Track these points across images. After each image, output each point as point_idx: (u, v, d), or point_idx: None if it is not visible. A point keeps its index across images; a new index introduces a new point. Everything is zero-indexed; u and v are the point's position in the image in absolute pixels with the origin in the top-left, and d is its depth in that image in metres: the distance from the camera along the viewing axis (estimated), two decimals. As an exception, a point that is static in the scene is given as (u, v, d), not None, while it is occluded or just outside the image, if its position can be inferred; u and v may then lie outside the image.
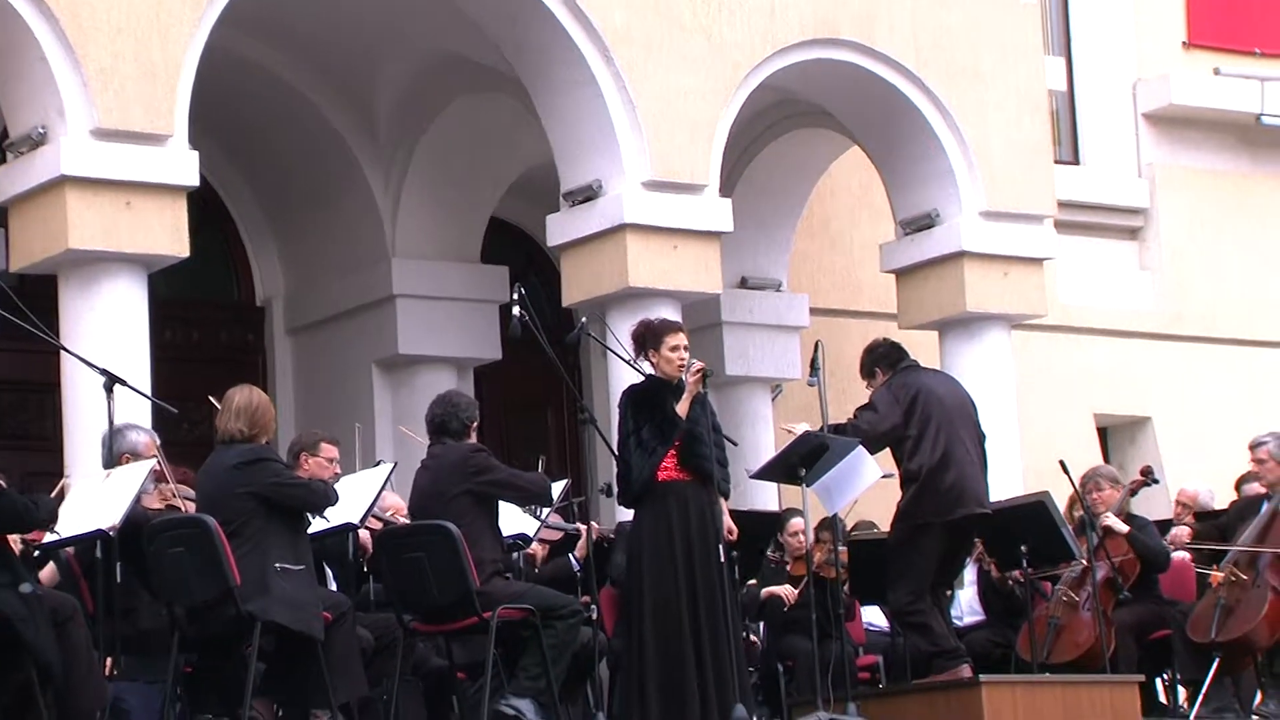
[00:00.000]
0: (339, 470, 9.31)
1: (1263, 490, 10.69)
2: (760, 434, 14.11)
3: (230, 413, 8.40)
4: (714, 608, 8.97)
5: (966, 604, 11.28)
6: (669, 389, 9.20)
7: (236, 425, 8.38)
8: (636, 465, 9.10)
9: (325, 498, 8.50)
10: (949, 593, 10.52)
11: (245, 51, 13.11)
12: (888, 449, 9.82)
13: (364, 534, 9.27)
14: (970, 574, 11.16)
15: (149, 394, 9.71)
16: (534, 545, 10.26)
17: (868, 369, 10.00)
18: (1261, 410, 15.52)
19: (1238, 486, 11.41)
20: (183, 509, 8.57)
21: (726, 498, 9.33)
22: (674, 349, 9.21)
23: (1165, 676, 11.11)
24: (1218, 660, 10.31)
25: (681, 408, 9.08)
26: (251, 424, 8.39)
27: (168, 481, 8.65)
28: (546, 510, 9.94)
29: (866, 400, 9.90)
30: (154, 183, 10.79)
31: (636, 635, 9.05)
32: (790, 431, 9.58)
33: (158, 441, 8.81)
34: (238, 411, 8.39)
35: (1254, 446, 10.68)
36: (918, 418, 9.66)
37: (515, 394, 14.58)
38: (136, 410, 9.43)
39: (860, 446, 9.40)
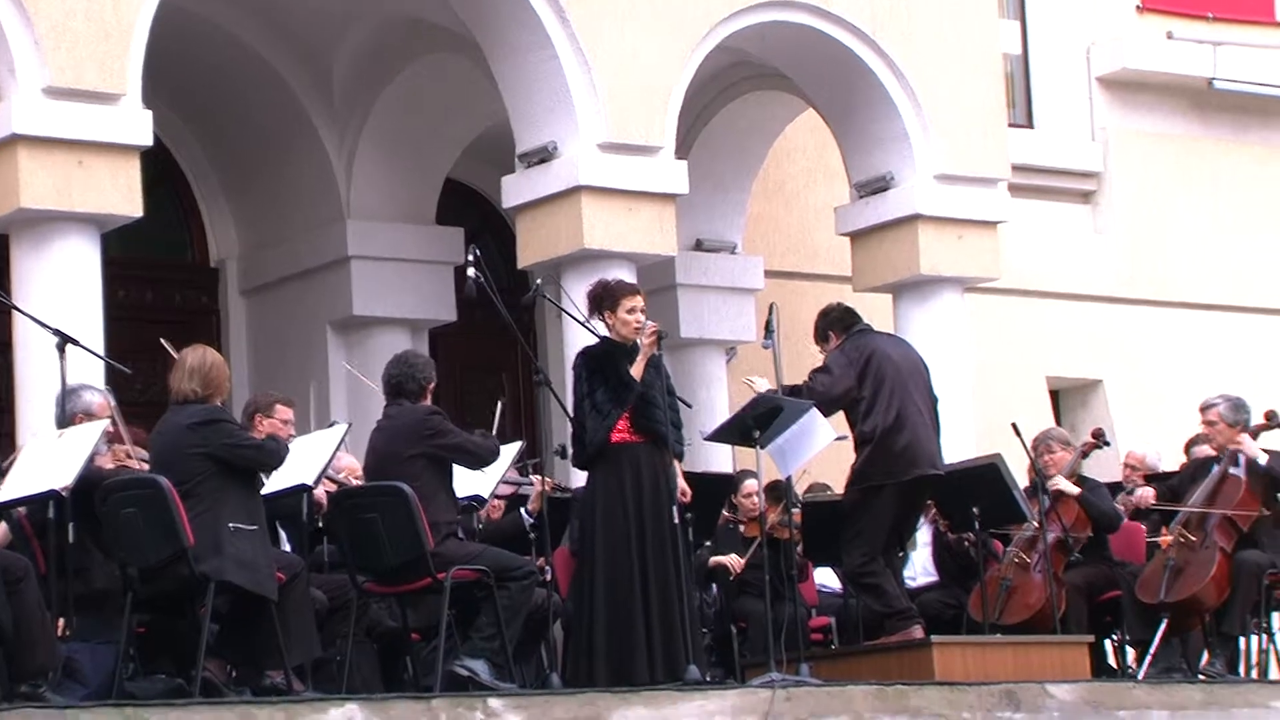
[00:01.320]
0: (294, 432, 9.31)
1: (1212, 452, 10.77)
2: (715, 396, 14.14)
3: (184, 373, 8.39)
4: (664, 569, 9.02)
5: (921, 565, 11.35)
6: (624, 351, 9.22)
7: (190, 385, 8.37)
8: (591, 428, 9.13)
9: (278, 456, 8.51)
10: (901, 554, 10.59)
11: (201, 10, 13.03)
12: (841, 412, 9.87)
13: (319, 492, 9.27)
14: (926, 535, 11.24)
15: (102, 354, 9.69)
16: (489, 505, 10.27)
17: (821, 333, 10.05)
18: (1212, 373, 15.63)
19: (1187, 449, 11.49)
20: (136, 469, 8.56)
21: (681, 460, 9.37)
22: (631, 311, 9.23)
23: (1115, 637, 11.20)
24: (1166, 621, 10.40)
25: (636, 370, 9.10)
26: (205, 384, 8.38)
27: (122, 441, 8.63)
28: (502, 472, 9.95)
29: (821, 363, 9.94)
30: (107, 142, 10.73)
31: (588, 595, 9.09)
32: (751, 385, 9.62)
33: (112, 401, 8.79)
34: (191, 371, 8.38)
35: (1204, 409, 10.74)
36: (871, 380, 9.72)
37: (470, 356, 14.58)
38: (90, 370, 9.40)
39: (814, 409, 9.45)
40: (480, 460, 9.18)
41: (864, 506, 9.77)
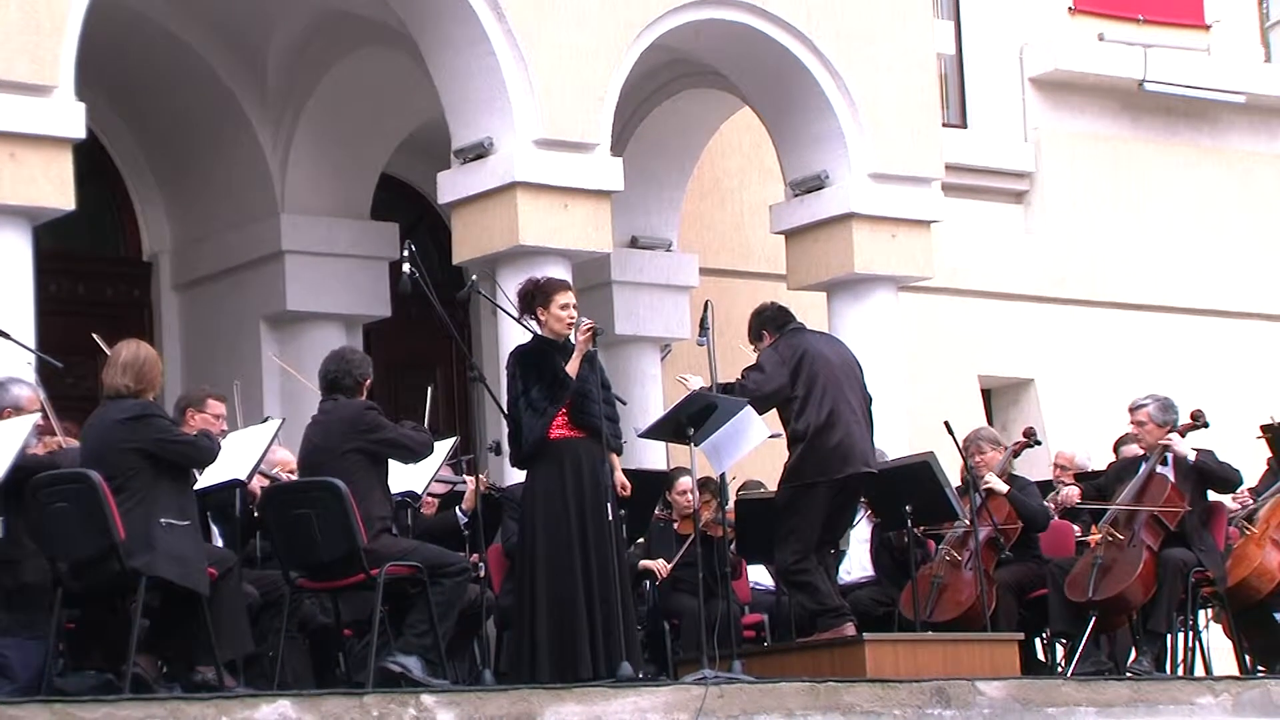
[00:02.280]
0: (225, 427, 9.27)
1: (1140, 451, 10.86)
2: (649, 393, 14.17)
3: (116, 368, 8.34)
4: (605, 564, 9.03)
5: (858, 562, 11.39)
6: (556, 348, 9.23)
7: (123, 380, 8.32)
8: (527, 425, 9.13)
9: (210, 453, 8.47)
10: (836, 551, 10.64)
11: (134, 3, 12.96)
12: (775, 410, 9.91)
13: (254, 485, 9.24)
14: (864, 531, 11.28)
15: (33, 348, 9.63)
16: (424, 501, 10.26)
17: (755, 331, 10.09)
18: (1142, 373, 15.77)
19: (1116, 448, 11.59)
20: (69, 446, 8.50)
21: (619, 454, 9.39)
22: (564, 307, 9.24)
23: (1045, 635, 11.28)
24: (1094, 619, 10.49)
25: (572, 366, 9.11)
26: (138, 379, 8.34)
27: (54, 433, 8.58)
28: (436, 468, 9.95)
29: (754, 362, 9.98)
30: (39, 134, 10.65)
31: (529, 592, 9.09)
32: (685, 383, 9.65)
33: (42, 395, 8.73)
34: (124, 366, 8.33)
35: (1134, 409, 10.83)
36: (804, 378, 9.76)
37: (404, 352, 14.55)
38: (20, 364, 9.33)
39: (749, 406, 9.48)
40: (414, 455, 9.17)
41: (796, 505, 9.80)
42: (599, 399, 9.16)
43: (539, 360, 9.17)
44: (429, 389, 10.98)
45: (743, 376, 9.84)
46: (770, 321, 10.05)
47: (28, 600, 8.37)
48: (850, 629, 9.72)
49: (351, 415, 8.98)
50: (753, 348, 10.07)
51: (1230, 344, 17.09)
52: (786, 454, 9.94)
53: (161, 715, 7.49)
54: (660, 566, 11.00)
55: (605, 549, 9.04)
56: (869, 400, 10.04)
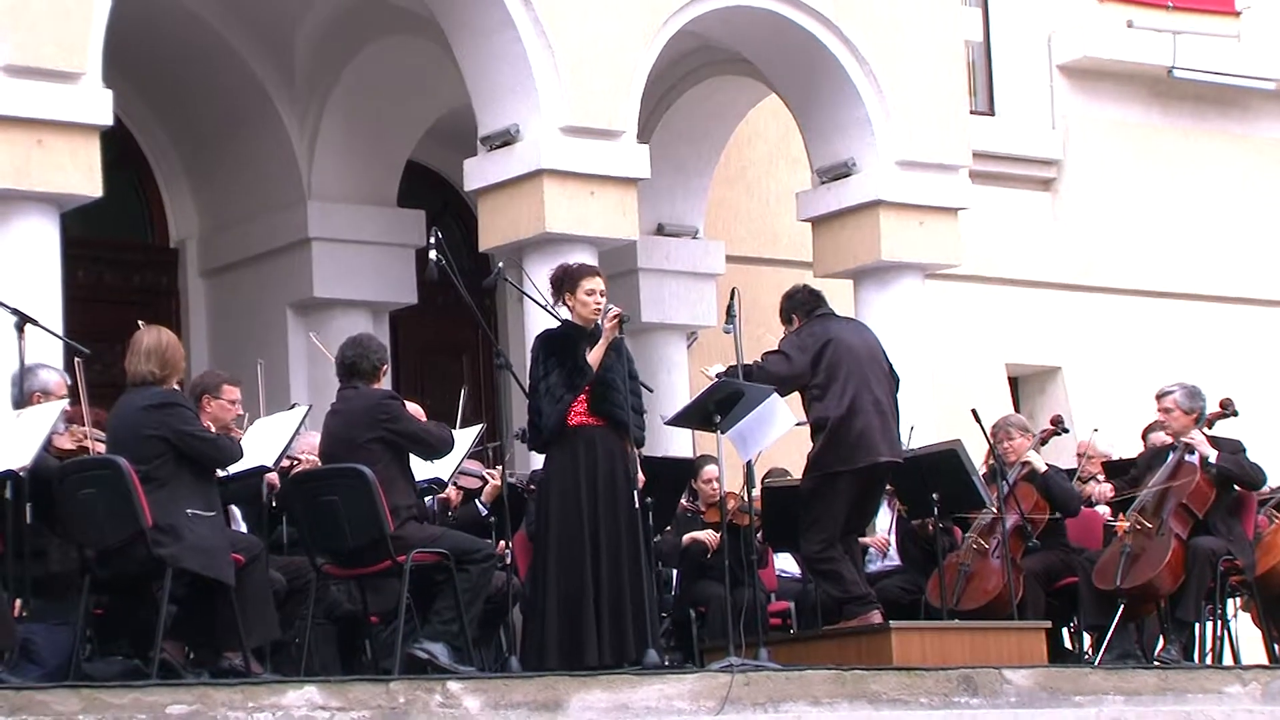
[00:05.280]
0: (241, 412, 9.26)
1: (1169, 440, 10.82)
2: (675, 380, 14.16)
3: (140, 355, 8.34)
4: (617, 553, 9.01)
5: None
6: (584, 335, 9.22)
7: (147, 367, 8.33)
8: (545, 412, 9.12)
9: (231, 455, 8.45)
10: (861, 539, 10.62)
11: (161, -11, 12.99)
12: (799, 396, 9.89)
13: (271, 477, 9.22)
14: (887, 520, 11.26)
15: (60, 334, 9.64)
16: (449, 490, 10.25)
17: (785, 314, 10.05)
18: (1170, 361, 15.71)
19: (1144, 436, 11.55)
20: (92, 450, 8.51)
21: (641, 446, 9.37)
22: (590, 293, 9.23)
23: (1073, 623, 11.26)
24: (1122, 607, 10.45)
25: (595, 355, 9.10)
26: (163, 365, 8.34)
27: (82, 422, 8.59)
28: (462, 456, 9.94)
29: (775, 346, 9.96)
30: (66, 121, 10.68)
31: (540, 578, 9.09)
32: (706, 375, 9.63)
33: (69, 382, 8.74)
34: (148, 353, 8.34)
35: (1160, 396, 10.79)
36: (825, 365, 9.71)
37: (431, 339, 14.56)
38: (48, 351, 9.35)
39: (775, 394, 9.45)
40: (433, 450, 9.12)
41: (820, 493, 9.78)
42: (624, 388, 9.14)
43: (564, 345, 9.16)
44: (463, 389, 10.97)
45: (761, 359, 9.81)
46: (800, 306, 10.00)
47: (55, 587, 8.39)
48: (877, 616, 9.71)
49: (371, 404, 8.97)
50: (785, 330, 10.05)
51: (1260, 332, 17.02)
52: (810, 443, 9.92)
53: (188, 701, 7.51)
54: (709, 537, 10.93)
55: (618, 537, 9.02)
56: (896, 383, 9.99)
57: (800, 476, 10.10)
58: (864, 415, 9.69)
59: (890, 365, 10.02)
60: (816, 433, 9.78)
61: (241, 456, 8.54)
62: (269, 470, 9.04)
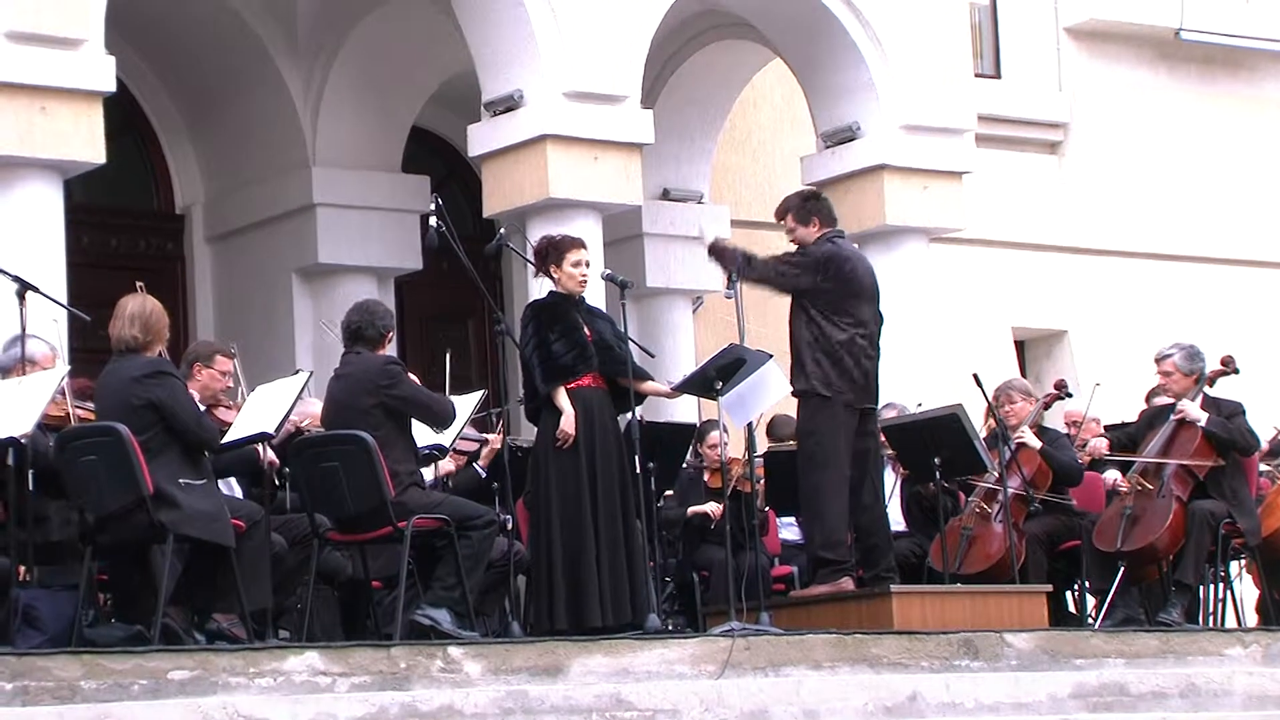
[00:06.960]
0: (232, 384, 9.27)
1: (1170, 401, 10.79)
2: (681, 345, 14.17)
3: (124, 319, 8.35)
4: (613, 513, 9.03)
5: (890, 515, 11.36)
6: (572, 304, 9.23)
7: (131, 332, 8.34)
8: (543, 376, 9.08)
9: (211, 439, 8.44)
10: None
11: (163, -45, 12.98)
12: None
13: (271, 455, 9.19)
14: (892, 481, 11.24)
15: (64, 301, 9.66)
16: (448, 459, 10.24)
17: (805, 214, 9.67)
18: (1176, 324, 15.67)
19: (1148, 399, 11.53)
20: (73, 418, 8.50)
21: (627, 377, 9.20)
22: (576, 264, 9.21)
23: (1076, 587, 11.26)
24: (1122, 569, 10.46)
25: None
26: (146, 330, 8.35)
27: (63, 394, 8.57)
28: (464, 421, 9.94)
29: (797, 249, 9.62)
30: (69, 88, 10.69)
31: (544, 538, 9.11)
32: (702, 236, 9.55)
33: (58, 354, 8.75)
34: (131, 318, 8.35)
35: (1160, 359, 10.74)
36: (837, 291, 9.42)
37: (436, 304, 14.57)
38: (49, 317, 9.37)
39: (772, 360, 9.39)
40: (436, 419, 9.10)
41: (816, 422, 9.41)
42: (620, 346, 9.14)
43: (555, 314, 9.16)
44: (447, 353, 10.96)
45: (781, 261, 9.55)
46: (826, 214, 9.65)
47: (57, 553, 8.42)
48: (848, 584, 9.54)
49: (374, 370, 8.97)
50: (790, 225, 9.67)
51: (1268, 294, 16.99)
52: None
53: (190, 666, 7.55)
54: (713, 509, 10.94)
55: (614, 498, 9.04)
56: (881, 322, 9.80)
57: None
58: (861, 352, 9.42)
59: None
60: (810, 349, 9.46)
61: (219, 443, 8.52)
62: (271, 437, 9.04)
